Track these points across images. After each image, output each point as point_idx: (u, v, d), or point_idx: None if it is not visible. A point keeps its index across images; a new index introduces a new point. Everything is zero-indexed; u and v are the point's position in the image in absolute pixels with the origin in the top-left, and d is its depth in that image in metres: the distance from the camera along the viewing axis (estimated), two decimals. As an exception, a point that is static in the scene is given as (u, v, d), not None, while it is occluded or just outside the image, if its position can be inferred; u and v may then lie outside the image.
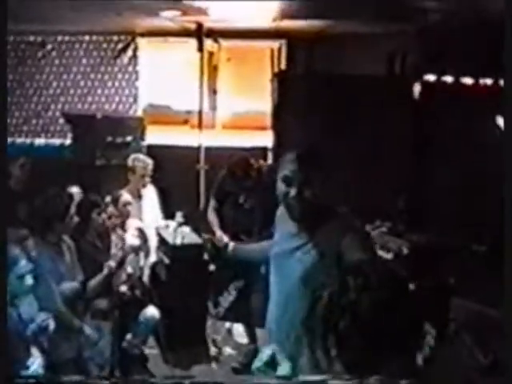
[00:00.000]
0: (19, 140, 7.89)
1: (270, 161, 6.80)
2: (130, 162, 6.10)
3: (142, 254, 5.35)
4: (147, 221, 5.96)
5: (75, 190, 5.80)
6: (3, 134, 2.56)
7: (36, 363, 3.59)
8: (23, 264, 3.67)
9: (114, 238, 5.02)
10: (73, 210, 4.64)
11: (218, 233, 5.53)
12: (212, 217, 5.67)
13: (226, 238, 5.43)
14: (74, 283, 4.56)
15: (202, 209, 6.77)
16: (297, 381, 1.95)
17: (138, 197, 6.05)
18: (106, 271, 4.74)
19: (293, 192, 2.83)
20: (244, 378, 2.99)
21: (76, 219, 4.67)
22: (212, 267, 5.92)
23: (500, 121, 5.82)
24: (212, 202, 5.74)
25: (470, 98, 6.19)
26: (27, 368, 3.51)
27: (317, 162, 2.88)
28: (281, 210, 3.11)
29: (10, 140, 7.85)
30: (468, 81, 6.48)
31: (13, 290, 3.62)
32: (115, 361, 4.69)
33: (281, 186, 2.88)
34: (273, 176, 4.46)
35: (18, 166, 6.23)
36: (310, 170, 2.83)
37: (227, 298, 5.50)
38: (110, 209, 5.11)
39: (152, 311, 5.21)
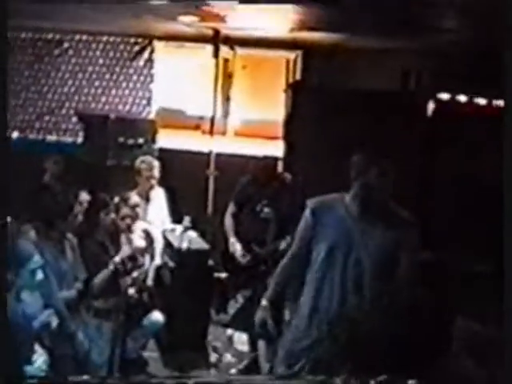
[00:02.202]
0: (31, 136, 7.92)
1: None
2: (136, 164, 6.12)
3: (147, 257, 5.36)
4: (154, 223, 5.98)
5: (84, 196, 5.82)
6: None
7: (40, 360, 3.60)
8: (36, 259, 3.71)
9: (122, 239, 5.03)
10: (78, 208, 4.66)
11: (232, 239, 5.50)
12: (228, 222, 5.61)
13: (238, 245, 5.44)
14: (73, 291, 4.56)
15: (209, 214, 6.77)
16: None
17: (146, 199, 6.06)
18: (111, 267, 4.77)
19: (390, 185, 3.33)
20: (247, 378, 3.05)
21: (80, 218, 4.69)
22: (221, 274, 5.93)
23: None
24: (231, 207, 5.67)
25: (483, 117, 6.20)
26: (32, 364, 3.52)
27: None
28: (318, 205, 3.49)
29: (21, 135, 7.90)
30: (481, 101, 6.48)
31: (24, 284, 3.65)
32: (114, 362, 4.69)
33: (375, 181, 3.31)
34: (293, 189, 4.67)
35: (51, 162, 6.39)
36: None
37: (234, 306, 5.51)
38: (124, 209, 5.11)
39: (157, 316, 5.22)
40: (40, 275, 3.74)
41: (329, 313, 3.34)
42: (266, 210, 5.32)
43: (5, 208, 2.50)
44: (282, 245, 5.12)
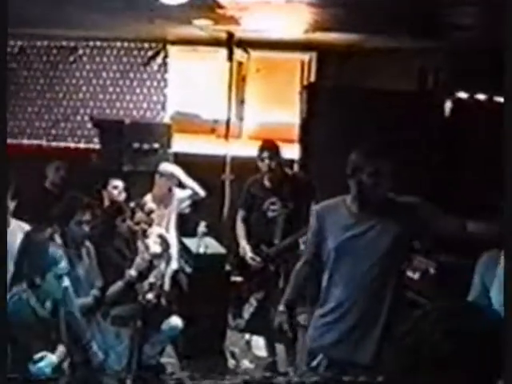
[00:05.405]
0: (46, 143, 7.95)
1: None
2: (160, 168, 6.14)
3: (163, 262, 5.32)
4: (171, 228, 5.95)
5: (118, 182, 5.86)
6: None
7: (45, 361, 3.55)
8: (63, 265, 3.67)
9: (139, 244, 4.99)
10: (87, 216, 4.54)
11: (242, 243, 5.46)
12: (239, 227, 5.57)
13: (248, 248, 5.38)
14: (89, 298, 4.51)
15: (225, 218, 6.72)
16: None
17: (163, 203, 6.03)
18: (126, 279, 4.71)
19: (384, 183, 3.29)
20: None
21: (86, 227, 4.56)
22: (235, 278, 5.88)
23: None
24: (240, 212, 5.62)
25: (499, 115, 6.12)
26: (34, 363, 3.48)
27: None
28: (322, 209, 3.51)
29: (37, 142, 7.93)
30: (499, 99, 6.41)
31: (49, 289, 3.62)
32: (131, 369, 4.65)
33: (368, 180, 3.27)
34: (302, 186, 4.61)
35: (52, 169, 6.48)
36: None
37: (248, 310, 5.45)
38: (139, 214, 5.08)
39: (176, 321, 5.17)
40: (66, 282, 3.71)
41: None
42: (273, 207, 5.29)
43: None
44: (289, 242, 5.13)
